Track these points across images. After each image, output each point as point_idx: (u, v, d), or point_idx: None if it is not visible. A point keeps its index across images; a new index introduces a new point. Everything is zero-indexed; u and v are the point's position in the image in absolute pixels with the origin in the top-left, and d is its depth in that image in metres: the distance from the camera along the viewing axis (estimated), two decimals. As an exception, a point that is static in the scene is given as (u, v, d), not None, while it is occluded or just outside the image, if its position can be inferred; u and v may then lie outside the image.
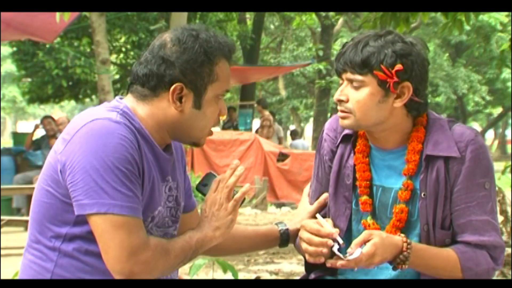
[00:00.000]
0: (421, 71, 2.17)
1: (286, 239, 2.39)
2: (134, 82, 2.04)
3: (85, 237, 1.95)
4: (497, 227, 2.23)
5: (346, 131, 2.31)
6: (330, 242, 2.06)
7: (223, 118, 2.09)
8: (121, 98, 2.07)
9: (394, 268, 2.12)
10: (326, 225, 2.11)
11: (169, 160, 2.09)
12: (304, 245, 2.12)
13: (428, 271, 2.18)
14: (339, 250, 2.05)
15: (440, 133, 2.21)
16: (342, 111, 2.20)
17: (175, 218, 2.15)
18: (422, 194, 2.19)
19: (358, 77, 2.14)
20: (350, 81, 2.17)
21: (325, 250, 2.07)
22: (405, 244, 2.10)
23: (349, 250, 2.05)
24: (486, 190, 2.20)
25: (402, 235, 2.13)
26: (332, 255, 2.09)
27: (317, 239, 2.08)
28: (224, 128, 14.39)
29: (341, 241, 2.07)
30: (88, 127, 1.92)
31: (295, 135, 17.44)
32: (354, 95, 2.16)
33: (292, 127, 36.71)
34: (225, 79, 2.05)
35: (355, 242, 2.06)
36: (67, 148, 1.93)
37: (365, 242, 2.05)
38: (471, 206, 2.18)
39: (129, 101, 2.05)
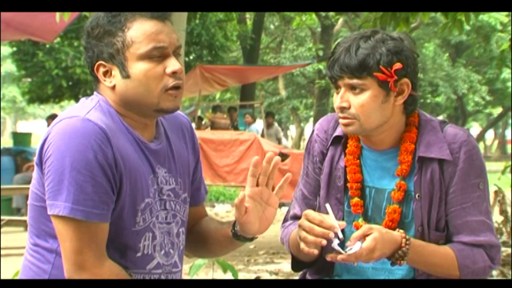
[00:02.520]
0: (414, 65, 2.18)
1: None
2: None
3: None
4: (492, 227, 2.23)
5: (337, 133, 2.30)
6: (331, 234, 2.03)
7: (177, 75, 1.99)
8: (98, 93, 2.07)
9: (393, 264, 2.11)
10: (332, 217, 2.08)
11: (157, 151, 2.05)
12: (303, 234, 2.07)
13: (426, 268, 2.18)
14: (339, 245, 2.04)
15: (432, 134, 2.21)
16: (345, 118, 2.16)
17: (174, 212, 2.10)
18: (417, 196, 2.19)
19: (358, 81, 2.12)
20: (349, 86, 2.14)
21: (324, 241, 2.04)
22: (404, 240, 2.10)
23: (348, 243, 2.04)
24: (481, 191, 2.20)
25: (401, 231, 2.13)
26: (330, 250, 2.07)
27: (319, 229, 2.04)
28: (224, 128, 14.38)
29: (341, 236, 2.05)
30: (58, 127, 1.92)
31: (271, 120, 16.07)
32: (357, 100, 2.14)
33: (292, 127, 36.69)
34: (145, 36, 1.97)
35: (354, 235, 2.04)
36: (42, 147, 1.94)
37: (364, 236, 2.04)
38: (467, 207, 2.19)
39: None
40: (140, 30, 1.97)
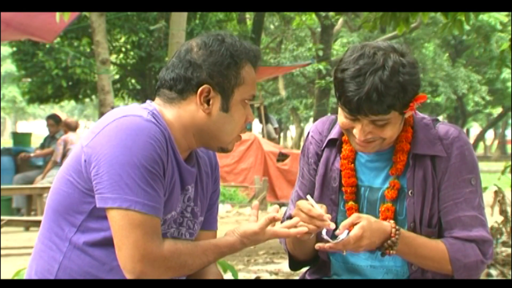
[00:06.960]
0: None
1: None
2: (161, 86, 2.07)
3: (98, 230, 1.96)
4: (485, 223, 2.25)
5: (332, 135, 2.32)
6: (332, 225, 2.06)
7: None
8: (150, 102, 2.10)
9: (383, 255, 2.14)
10: (316, 206, 2.09)
11: (189, 171, 2.09)
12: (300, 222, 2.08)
13: (416, 260, 2.20)
14: (327, 234, 2.07)
15: (425, 132, 2.24)
16: (368, 143, 2.17)
17: (192, 231, 2.15)
18: (410, 192, 2.21)
19: (383, 116, 2.11)
20: (372, 121, 2.13)
21: (333, 226, 2.06)
22: (393, 230, 2.12)
23: (337, 232, 2.06)
24: (473, 186, 2.23)
25: (392, 221, 2.15)
26: (319, 239, 2.10)
27: (318, 222, 2.06)
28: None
29: (332, 226, 2.07)
30: (119, 122, 1.95)
31: None
32: (381, 131, 2.14)
33: (292, 127, 36.66)
34: (251, 83, 2.07)
35: (343, 224, 2.07)
36: (94, 141, 1.95)
37: (353, 225, 2.07)
38: (459, 202, 2.21)
39: (157, 104, 2.07)
40: (250, 74, 2.07)
